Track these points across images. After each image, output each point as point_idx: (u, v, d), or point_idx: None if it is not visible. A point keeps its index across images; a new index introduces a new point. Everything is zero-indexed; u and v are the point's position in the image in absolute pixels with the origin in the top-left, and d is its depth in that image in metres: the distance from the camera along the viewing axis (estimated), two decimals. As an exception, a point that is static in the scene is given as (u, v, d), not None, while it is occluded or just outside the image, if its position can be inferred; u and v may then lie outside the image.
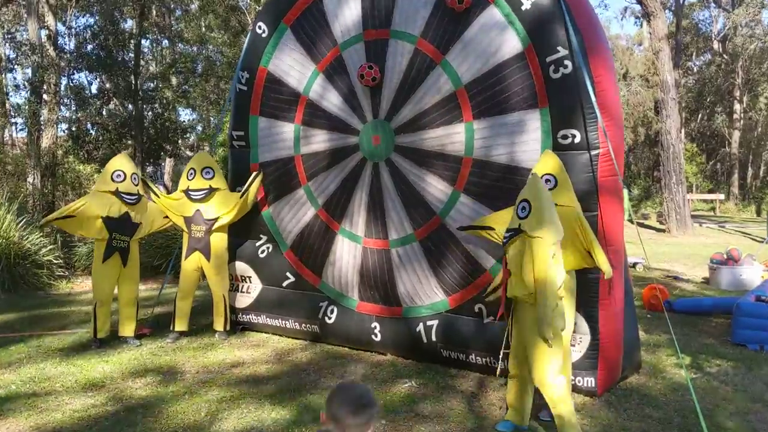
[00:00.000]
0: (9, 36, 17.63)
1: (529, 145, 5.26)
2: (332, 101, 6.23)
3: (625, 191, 5.40)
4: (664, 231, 20.12)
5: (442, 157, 5.65)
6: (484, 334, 5.54)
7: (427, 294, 5.83)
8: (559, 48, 5.07)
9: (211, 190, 6.63)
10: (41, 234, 10.45)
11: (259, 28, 6.67)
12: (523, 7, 5.22)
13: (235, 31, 23.08)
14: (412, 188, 5.82)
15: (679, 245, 16.66)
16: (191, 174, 6.69)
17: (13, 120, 21.03)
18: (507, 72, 5.34)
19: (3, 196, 10.30)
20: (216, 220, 6.63)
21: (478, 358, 5.59)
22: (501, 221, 5.12)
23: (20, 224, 10.04)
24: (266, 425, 4.57)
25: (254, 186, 6.67)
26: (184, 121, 22.66)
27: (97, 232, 6.39)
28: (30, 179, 14.43)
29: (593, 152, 5.03)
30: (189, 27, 25.02)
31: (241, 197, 6.62)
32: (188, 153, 23.51)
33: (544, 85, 5.17)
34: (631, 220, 11.56)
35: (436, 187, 5.68)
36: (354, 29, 6.07)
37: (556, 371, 4.19)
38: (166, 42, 22.66)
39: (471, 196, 5.51)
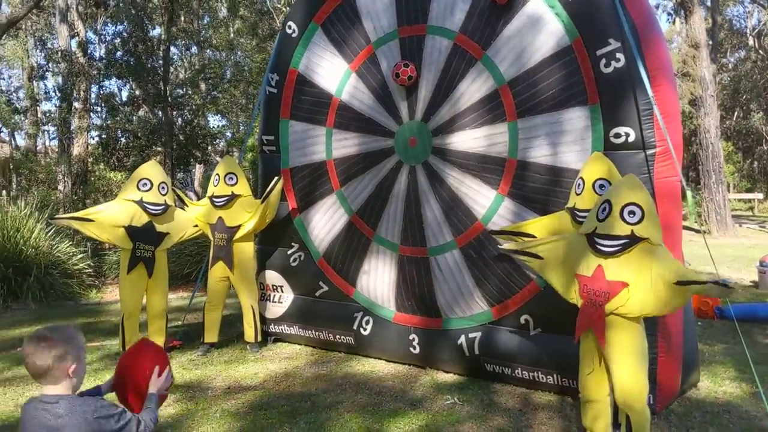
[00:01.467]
0: (40, 43, 17.70)
1: (579, 144, 4.91)
2: (366, 102, 5.95)
3: (689, 193, 5.02)
4: (703, 232, 19.51)
5: (483, 159, 5.32)
6: (531, 347, 5.20)
7: (469, 305, 5.50)
8: (611, 40, 4.72)
9: (233, 197, 6.38)
10: (71, 243, 10.35)
11: (289, 27, 6.42)
12: (570, -3, 4.89)
13: (263, 36, 23.00)
14: (451, 192, 5.50)
15: (721, 247, 16.05)
16: (216, 180, 6.47)
17: (44, 128, 21.21)
18: (553, 67, 5.00)
19: (33, 205, 10.19)
20: (238, 228, 6.38)
21: (524, 372, 5.25)
22: (543, 229, 4.78)
23: (50, 233, 9.93)
24: (302, 447, 4.30)
25: (275, 191, 6.40)
26: (213, 127, 22.63)
27: (121, 241, 6.19)
28: (60, 187, 14.41)
29: (649, 152, 4.66)
30: (217, 33, 25.04)
31: (261, 203, 6.36)
32: (217, 159, 23.48)
33: (594, 80, 4.82)
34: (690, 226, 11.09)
35: (477, 191, 5.36)
36: (388, 26, 5.78)
37: (647, 391, 3.89)
38: (194, 48, 22.66)
39: (516, 200, 5.17)
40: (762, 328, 7.50)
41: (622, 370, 3.89)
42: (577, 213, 4.44)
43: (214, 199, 6.37)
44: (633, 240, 3.81)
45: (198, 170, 24.03)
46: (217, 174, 6.48)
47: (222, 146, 25.99)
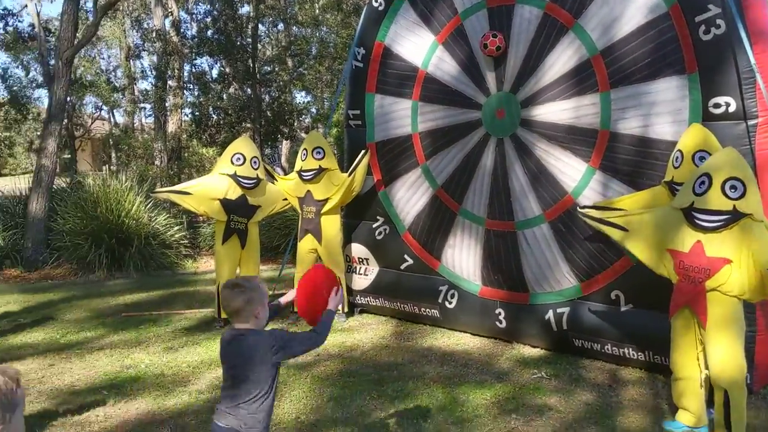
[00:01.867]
0: (137, 24, 18.47)
1: (676, 115, 4.72)
2: (452, 74, 5.90)
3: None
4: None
5: (574, 130, 5.20)
6: (621, 322, 5.09)
7: (558, 279, 5.43)
8: (710, 6, 4.50)
9: (321, 170, 6.49)
10: (168, 215, 10.83)
11: (375, 1, 6.43)
12: (668, -39, 4.67)
13: (348, 11, 23.05)
14: (540, 165, 5.41)
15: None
16: (304, 154, 6.59)
17: (140, 106, 22.17)
18: (648, 35, 4.80)
19: (134, 179, 10.72)
20: (325, 201, 6.50)
21: (613, 348, 5.15)
22: (635, 205, 4.61)
23: (148, 206, 10.43)
24: (389, 412, 4.39)
25: (362, 165, 6.47)
26: (299, 104, 22.99)
27: (217, 213, 6.44)
28: (157, 162, 15.07)
29: (750, 122, 4.43)
30: (303, 9, 25.28)
31: (348, 176, 6.45)
32: (303, 135, 23.85)
33: (692, 48, 4.60)
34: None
35: (567, 164, 5.25)
36: (476, -4, 5.69)
37: (744, 369, 3.79)
38: (281, 25, 23.00)
39: (608, 172, 5.03)
40: None
41: (720, 348, 3.77)
42: (676, 186, 4.28)
43: (303, 173, 6.51)
44: (735, 215, 3.66)
45: (284, 146, 24.51)
46: (305, 149, 6.60)
47: (307, 122, 26.40)
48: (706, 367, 3.92)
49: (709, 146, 4.22)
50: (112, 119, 29.49)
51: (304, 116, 23.35)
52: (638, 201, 4.66)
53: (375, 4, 6.43)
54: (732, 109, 4.48)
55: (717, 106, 4.54)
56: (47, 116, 10.21)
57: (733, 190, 3.67)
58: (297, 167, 6.64)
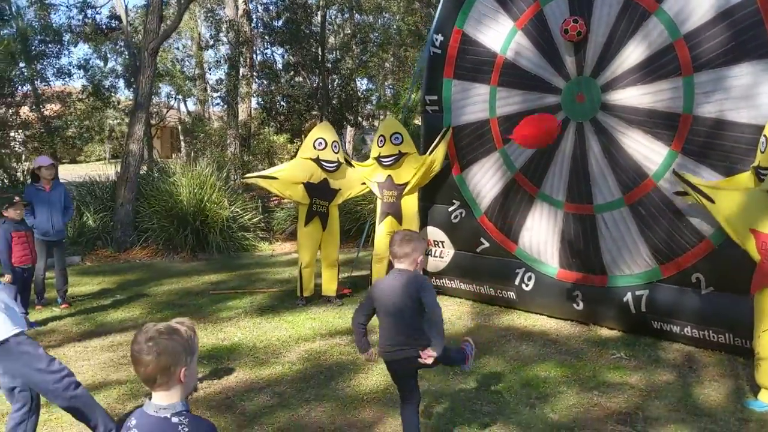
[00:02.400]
0: (210, 14, 19.04)
1: (758, 99, 4.72)
2: (531, 59, 6.00)
3: None
4: None
5: (655, 114, 5.24)
6: (702, 305, 5.13)
7: (637, 262, 5.49)
8: (800, -13, 4.47)
9: (401, 155, 6.68)
10: (244, 200, 11.27)
11: (454, -11, 6.56)
12: (756, -57, 4.65)
13: (411, -1, 23.11)
14: (620, 149, 5.48)
15: None
16: (381, 141, 6.77)
17: (211, 94, 22.80)
18: (734, 19, 4.80)
19: (212, 166, 11.18)
20: (406, 184, 6.69)
21: (693, 331, 5.20)
22: (730, 194, 4.61)
23: (227, 191, 10.88)
24: (473, 386, 4.57)
25: (443, 143, 6.63)
26: (364, 91, 23.25)
27: (301, 197, 6.73)
28: (231, 149, 15.58)
29: (842, 105, 4.40)
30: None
31: (429, 154, 6.62)
32: (364, 123, 24.10)
33: (780, 30, 4.59)
34: None
35: (649, 148, 5.30)
36: (556, -18, 5.77)
37: None
38: (346, 14, 23.28)
39: (690, 156, 5.07)
40: None
41: None
42: (761, 171, 4.30)
43: (382, 159, 6.71)
44: None
45: (349, 132, 24.85)
46: (382, 135, 6.78)
47: (369, 109, 26.66)
48: None
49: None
50: (183, 108, 30.43)
51: (367, 104, 23.59)
52: (725, 184, 4.70)
53: (454, -8, 6.57)
54: (818, 92, 4.46)
55: (803, 89, 4.52)
56: (134, 105, 10.75)
57: None
58: (374, 153, 6.84)
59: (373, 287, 3.49)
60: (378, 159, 6.78)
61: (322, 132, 6.84)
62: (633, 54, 5.33)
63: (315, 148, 6.70)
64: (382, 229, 6.86)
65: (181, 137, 28.80)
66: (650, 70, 5.25)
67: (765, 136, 4.36)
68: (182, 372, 1.91)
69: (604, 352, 5.28)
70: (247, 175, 7.27)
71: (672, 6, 5.09)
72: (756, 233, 4.02)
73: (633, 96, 5.36)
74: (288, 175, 6.73)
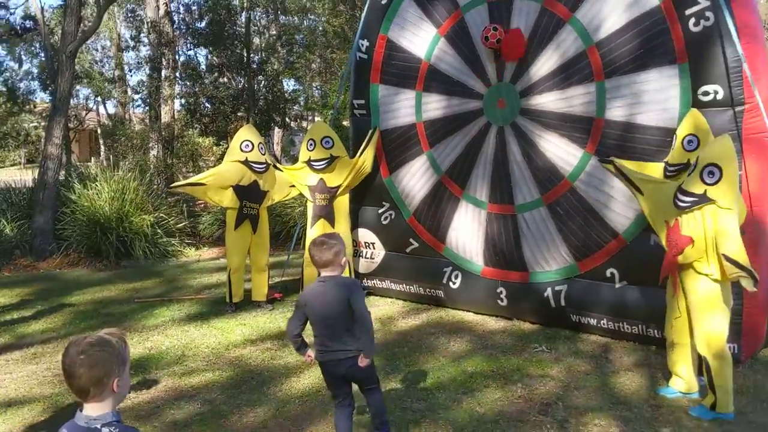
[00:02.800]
0: (131, 15, 18.57)
1: (667, 103, 5.04)
2: (454, 65, 6.19)
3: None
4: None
5: (571, 118, 5.51)
6: (616, 298, 5.44)
7: (555, 259, 5.76)
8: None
9: (332, 159, 6.75)
10: (168, 205, 11.07)
11: (378, -5, 6.69)
12: (659, -42, 4.97)
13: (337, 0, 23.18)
14: (539, 152, 5.73)
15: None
16: (311, 145, 6.81)
17: (132, 97, 22.24)
18: (641, 27, 5.12)
19: (135, 170, 10.93)
20: (339, 187, 6.78)
21: (609, 323, 5.50)
22: (654, 186, 4.90)
23: (151, 195, 10.66)
24: (403, 384, 4.70)
25: (372, 144, 6.75)
26: (290, 93, 23.15)
27: (230, 201, 6.70)
28: (153, 152, 15.25)
29: (737, 108, 4.76)
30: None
31: (358, 156, 6.73)
32: (292, 124, 24.03)
33: (683, 39, 4.92)
34: None
35: (565, 150, 5.56)
36: (476, -9, 5.98)
37: (723, 340, 4.07)
38: (271, 14, 23.13)
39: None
40: None
41: (699, 319, 4.09)
42: (667, 167, 4.61)
43: (313, 163, 6.75)
44: (702, 200, 3.96)
45: (276, 134, 24.70)
46: (312, 139, 6.83)
47: (297, 110, 26.60)
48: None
49: (698, 131, 4.53)
50: (103, 111, 29.50)
51: (295, 105, 23.52)
52: (638, 169, 4.96)
53: (378, -2, 6.69)
54: (720, 96, 4.80)
55: (706, 93, 4.86)
56: (52, 108, 10.40)
57: (710, 176, 3.95)
58: (304, 157, 6.88)
59: (302, 294, 3.52)
60: (309, 162, 6.82)
61: (247, 134, 6.83)
62: (549, 61, 5.59)
63: (242, 150, 6.68)
64: (314, 231, 6.91)
65: (101, 140, 27.92)
66: (565, 76, 5.52)
67: (675, 134, 4.67)
68: (115, 382, 1.94)
69: (526, 345, 5.51)
70: (174, 184, 7.18)
71: (585, 15, 5.37)
72: (666, 225, 4.30)
73: (550, 101, 5.62)
74: (217, 180, 6.68)
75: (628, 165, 4.84)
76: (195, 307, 7.09)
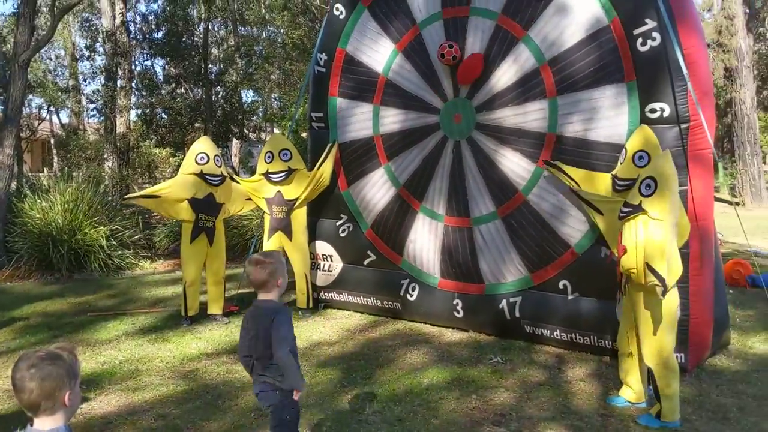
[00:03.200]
0: (87, 24, 18.26)
1: (616, 119, 5.20)
2: (412, 80, 6.28)
3: (720, 165, 5.28)
4: (735, 204, 19.48)
5: (524, 133, 5.64)
6: (569, 310, 5.55)
7: (510, 271, 5.86)
8: (647, 20, 4.98)
9: (290, 171, 6.77)
10: (123, 217, 10.89)
11: (337, 9, 6.75)
12: (608, -20, 5.14)
13: (296, 12, 23.22)
14: (494, 166, 5.84)
15: (756, 218, 16.13)
16: (269, 157, 6.82)
17: (87, 106, 21.81)
18: (591, 46, 5.27)
19: (90, 182, 10.74)
20: (297, 199, 6.79)
21: (562, 334, 5.61)
22: (584, 179, 5.07)
23: (105, 206, 10.48)
24: (360, 398, 4.71)
25: (330, 157, 6.78)
26: (249, 104, 23.07)
27: (186, 214, 6.65)
28: (108, 163, 15.00)
29: (683, 125, 4.94)
30: (250, 9, 25.31)
31: (317, 169, 6.75)
32: (251, 135, 23.92)
33: (631, 58, 5.09)
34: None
35: (518, 164, 5.68)
36: (433, 7, 6.08)
37: (669, 350, 4.19)
38: (230, 26, 23.04)
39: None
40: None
41: (645, 329, 4.22)
42: (616, 181, 4.75)
43: (272, 176, 6.75)
44: (636, 209, 4.15)
45: (235, 145, 24.55)
46: (270, 151, 6.84)
47: (255, 121, 26.51)
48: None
49: (648, 147, 4.68)
50: (56, 120, 28.88)
51: (254, 116, 23.44)
52: (586, 177, 5.14)
53: (336, 13, 6.75)
54: (666, 113, 4.98)
55: (653, 111, 5.03)
56: (3, 119, 10.17)
57: (647, 188, 4.16)
58: (262, 169, 6.88)
59: (244, 317, 3.38)
60: (266, 175, 6.82)
61: (202, 146, 6.79)
62: (504, 77, 5.71)
63: (197, 162, 6.64)
64: (271, 244, 6.90)
65: (54, 151, 27.32)
66: (519, 93, 5.64)
67: (625, 149, 4.81)
68: (66, 396, 1.93)
69: (482, 357, 5.59)
70: (127, 196, 7.09)
71: (537, 33, 5.51)
72: (618, 243, 4.44)
73: (504, 116, 5.74)
74: (171, 193, 6.62)
75: (573, 172, 5.02)
76: (149, 320, 6.99)
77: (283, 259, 3.30)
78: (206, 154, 6.66)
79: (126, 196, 7.15)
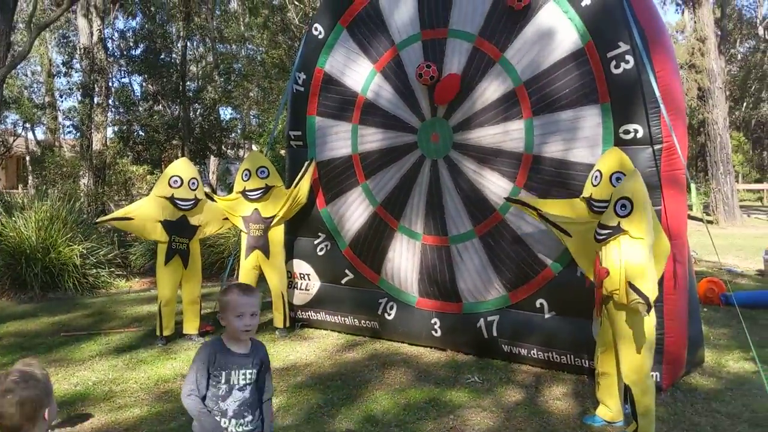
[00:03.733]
0: (64, 41, 18.14)
1: (590, 140, 5.27)
2: (390, 100, 6.32)
3: (693, 185, 5.38)
4: (707, 222, 19.76)
5: (501, 153, 5.69)
6: (546, 329, 5.58)
7: (488, 290, 5.88)
8: (620, 43, 5.07)
9: (268, 189, 6.76)
10: (98, 235, 10.78)
11: (315, 29, 6.78)
12: (582, 3, 5.24)
13: (275, 30, 23.30)
14: (471, 185, 5.88)
15: (729, 236, 16.37)
16: (246, 175, 6.80)
17: (63, 123, 21.65)
18: (566, 68, 5.35)
19: (65, 200, 10.62)
20: (274, 217, 6.77)
21: (539, 353, 5.63)
22: (553, 207, 5.11)
23: (80, 224, 10.36)
24: (336, 418, 4.68)
25: (307, 175, 6.78)
26: (227, 121, 23.00)
27: (158, 236, 6.59)
28: (84, 180, 14.85)
29: (656, 147, 5.02)
30: (229, 27, 25.34)
31: (294, 187, 6.74)
32: (229, 153, 23.84)
33: (605, 80, 5.17)
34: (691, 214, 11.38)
35: (496, 184, 5.73)
36: (411, 29, 6.14)
37: (647, 369, 4.22)
38: (208, 42, 23.04)
39: (531, 191, 5.54)
40: (766, 313, 7.83)
41: (624, 348, 4.26)
42: (594, 203, 4.79)
43: (249, 193, 6.73)
44: (615, 231, 4.19)
45: (213, 163, 24.46)
46: (247, 169, 6.82)
47: (233, 138, 26.46)
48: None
49: (625, 168, 4.74)
50: (31, 137, 28.55)
51: (232, 134, 23.39)
52: (560, 207, 5.14)
53: (315, 33, 6.79)
54: (640, 135, 5.06)
55: (627, 132, 5.11)
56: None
57: (623, 209, 4.20)
58: (239, 187, 6.85)
59: None
60: (244, 193, 6.80)
61: (178, 169, 6.72)
62: (481, 98, 5.77)
63: (170, 186, 6.58)
64: (248, 263, 6.86)
65: (29, 167, 27.00)
66: (496, 113, 5.70)
67: (599, 170, 4.85)
68: (46, 413, 1.95)
69: (460, 376, 5.59)
70: (100, 219, 7.05)
71: (513, 55, 5.58)
72: (595, 263, 4.47)
73: (481, 136, 5.79)
74: (143, 214, 6.56)
75: (552, 205, 5.04)
76: (124, 340, 6.90)
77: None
78: (180, 177, 6.60)
79: (98, 220, 7.08)
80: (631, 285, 4.03)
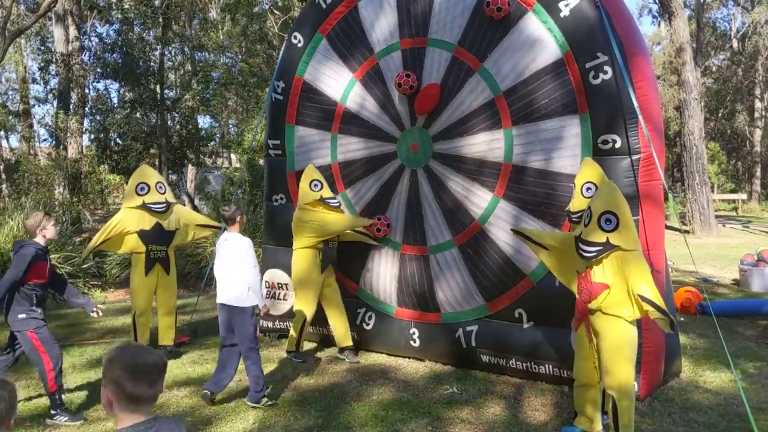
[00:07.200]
0: (42, 48, 17.89)
1: (569, 150, 5.29)
2: (370, 109, 6.29)
3: (671, 195, 5.40)
4: (684, 232, 19.96)
5: (480, 163, 5.69)
6: (524, 339, 5.57)
7: (467, 300, 5.86)
8: (599, 54, 5.10)
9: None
10: (74, 244, 10.61)
11: (295, 38, 6.75)
12: (561, 14, 5.26)
13: (253, 39, 23.19)
14: (450, 195, 5.86)
15: (705, 246, 16.53)
16: (316, 185, 6.58)
17: (38, 130, 21.36)
18: (545, 79, 5.37)
19: (39, 208, 10.44)
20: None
21: (518, 363, 5.61)
22: (555, 241, 5.06)
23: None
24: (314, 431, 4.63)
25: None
26: (205, 130, 22.81)
27: (133, 247, 6.48)
28: (60, 189, 14.62)
29: (634, 157, 5.04)
30: (207, 35, 25.19)
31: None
32: (207, 161, 23.63)
33: (583, 91, 5.19)
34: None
35: (475, 194, 5.72)
36: (391, 38, 6.13)
37: (632, 380, 4.23)
38: (187, 50, 22.85)
39: (511, 201, 5.54)
40: (742, 323, 7.90)
41: (611, 360, 4.24)
42: (571, 215, 4.79)
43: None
44: (607, 247, 4.15)
45: (191, 171, 24.21)
46: (317, 180, 6.51)
47: (212, 146, 26.26)
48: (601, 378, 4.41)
49: (595, 178, 4.74)
50: (5, 145, 28.14)
51: (210, 142, 23.19)
52: (562, 239, 5.13)
53: (294, 41, 6.75)
54: (618, 145, 5.08)
55: (605, 142, 5.13)
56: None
57: (607, 224, 4.15)
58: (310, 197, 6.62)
59: None
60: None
61: (141, 176, 6.62)
62: (460, 108, 5.77)
63: (138, 194, 6.47)
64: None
65: (2, 176, 26.57)
66: (475, 123, 5.70)
67: (574, 182, 4.87)
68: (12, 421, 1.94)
69: (438, 387, 5.54)
70: (84, 255, 6.99)
71: (492, 65, 5.59)
72: (578, 274, 4.46)
73: (460, 146, 5.79)
74: (117, 231, 6.42)
75: (549, 237, 5.01)
76: (98, 352, 6.77)
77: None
78: (146, 183, 6.51)
79: (85, 252, 6.93)
80: (646, 299, 4.02)
